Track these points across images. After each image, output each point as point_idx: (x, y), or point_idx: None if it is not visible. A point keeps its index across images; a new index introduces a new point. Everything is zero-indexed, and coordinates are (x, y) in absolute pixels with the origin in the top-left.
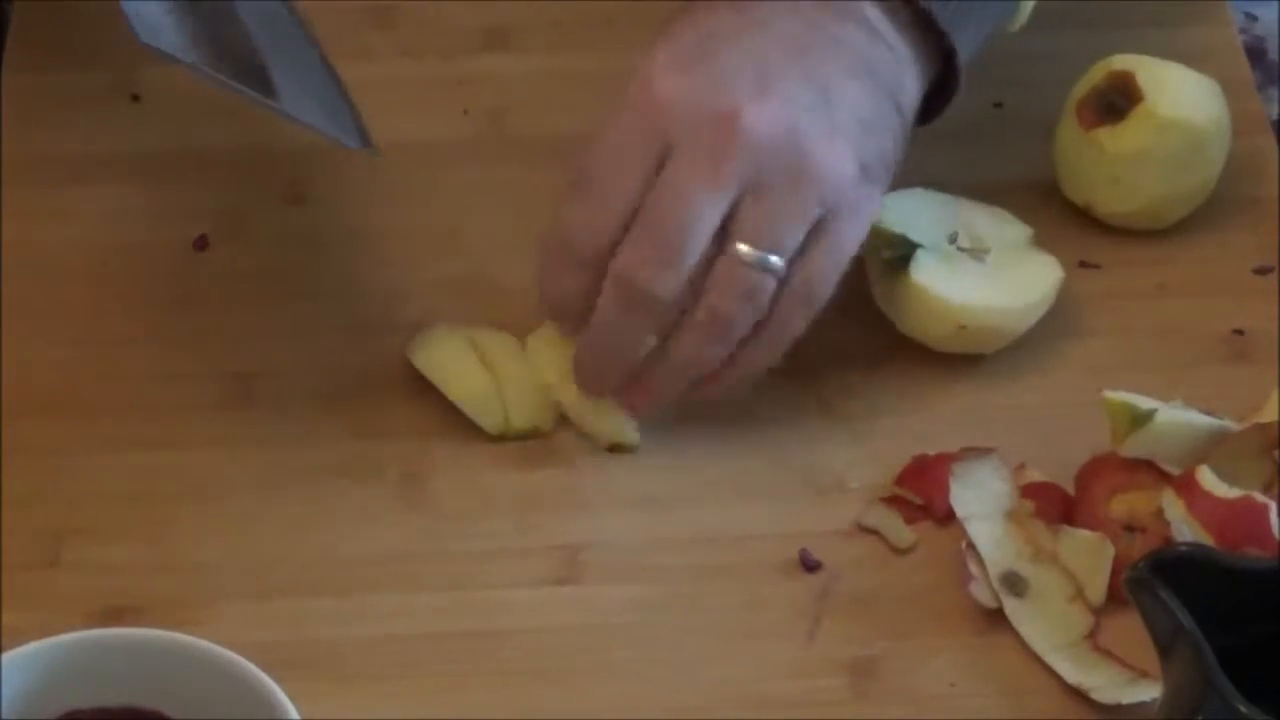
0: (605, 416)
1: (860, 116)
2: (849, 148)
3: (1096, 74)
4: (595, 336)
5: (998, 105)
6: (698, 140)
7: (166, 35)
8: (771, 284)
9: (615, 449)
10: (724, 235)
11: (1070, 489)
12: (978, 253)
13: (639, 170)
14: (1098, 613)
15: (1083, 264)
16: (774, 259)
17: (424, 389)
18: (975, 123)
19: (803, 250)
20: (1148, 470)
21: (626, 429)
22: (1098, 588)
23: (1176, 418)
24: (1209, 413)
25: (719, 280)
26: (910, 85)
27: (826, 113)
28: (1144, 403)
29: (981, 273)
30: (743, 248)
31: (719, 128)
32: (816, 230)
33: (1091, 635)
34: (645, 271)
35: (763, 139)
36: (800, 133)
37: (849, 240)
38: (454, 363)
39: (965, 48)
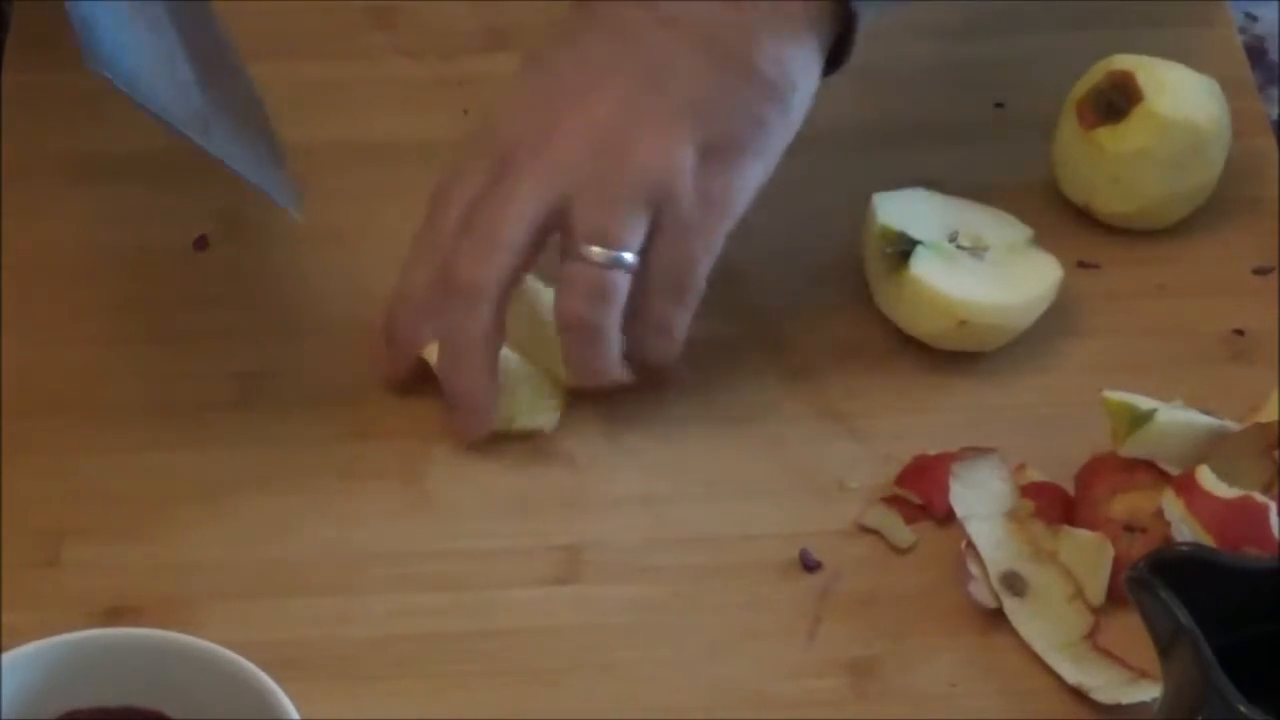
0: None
1: (696, 98)
2: (678, 135)
3: (1096, 74)
4: (441, 335)
5: (998, 105)
6: (516, 155)
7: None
8: (622, 278)
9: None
10: (570, 242)
11: (1070, 489)
12: (977, 251)
13: (480, 177)
14: (1098, 613)
15: (1082, 264)
16: (623, 254)
17: (424, 389)
18: (975, 123)
19: (652, 242)
20: (1148, 470)
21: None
22: (1098, 588)
23: (1176, 418)
24: (1209, 413)
25: (565, 282)
26: (774, 45)
27: (654, 103)
28: (1144, 403)
29: (981, 270)
30: (589, 247)
31: (535, 144)
32: (660, 220)
33: (1091, 635)
34: (465, 263)
35: (576, 148)
36: (617, 133)
37: (702, 224)
38: None
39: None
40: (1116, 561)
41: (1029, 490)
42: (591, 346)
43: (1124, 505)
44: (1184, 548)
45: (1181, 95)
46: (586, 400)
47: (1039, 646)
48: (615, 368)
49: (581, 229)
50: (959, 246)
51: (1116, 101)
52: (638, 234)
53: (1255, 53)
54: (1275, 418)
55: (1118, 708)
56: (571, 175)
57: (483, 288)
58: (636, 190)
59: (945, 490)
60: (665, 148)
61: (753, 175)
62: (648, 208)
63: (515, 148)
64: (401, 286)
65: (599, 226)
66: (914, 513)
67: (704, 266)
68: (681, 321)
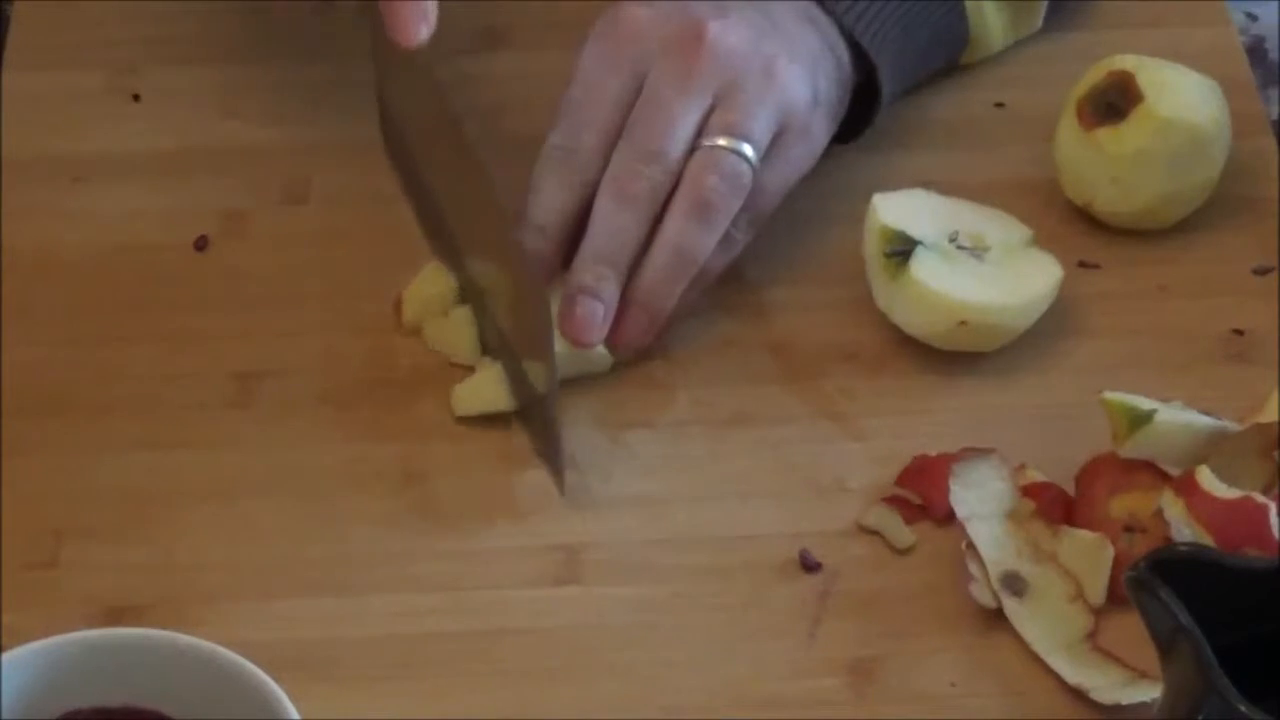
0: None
1: (811, 52)
2: (804, 71)
3: (1096, 74)
4: (594, 240)
5: (998, 105)
6: (669, 53)
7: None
8: (747, 171)
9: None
10: (699, 137)
11: (1070, 489)
12: (978, 251)
13: (618, 90)
14: (1098, 613)
15: (1083, 264)
16: (746, 147)
17: (424, 389)
18: (975, 123)
19: (766, 155)
20: (1148, 470)
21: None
22: (1098, 588)
23: (1176, 418)
24: (1209, 413)
25: (697, 164)
26: (846, 59)
27: (784, 45)
28: (1144, 403)
29: (981, 270)
30: (718, 140)
31: (687, 41)
32: (777, 139)
33: (1091, 635)
34: (636, 171)
35: (729, 47)
36: (763, 46)
37: (796, 160)
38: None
39: (885, 70)
40: (1116, 561)
41: (1029, 490)
42: (706, 228)
43: (1124, 505)
44: (1184, 548)
45: (1181, 95)
46: (587, 400)
47: (1039, 647)
48: (709, 264)
49: (717, 124)
50: (959, 246)
51: (1116, 101)
52: (764, 139)
53: (1255, 53)
54: (1275, 418)
55: (1118, 708)
56: (719, 82)
57: (648, 196)
58: (774, 106)
59: (945, 490)
60: (801, 77)
61: (825, 139)
62: (777, 123)
63: (660, 53)
64: (538, 211)
65: (736, 123)
66: (914, 513)
67: (778, 202)
68: (746, 237)
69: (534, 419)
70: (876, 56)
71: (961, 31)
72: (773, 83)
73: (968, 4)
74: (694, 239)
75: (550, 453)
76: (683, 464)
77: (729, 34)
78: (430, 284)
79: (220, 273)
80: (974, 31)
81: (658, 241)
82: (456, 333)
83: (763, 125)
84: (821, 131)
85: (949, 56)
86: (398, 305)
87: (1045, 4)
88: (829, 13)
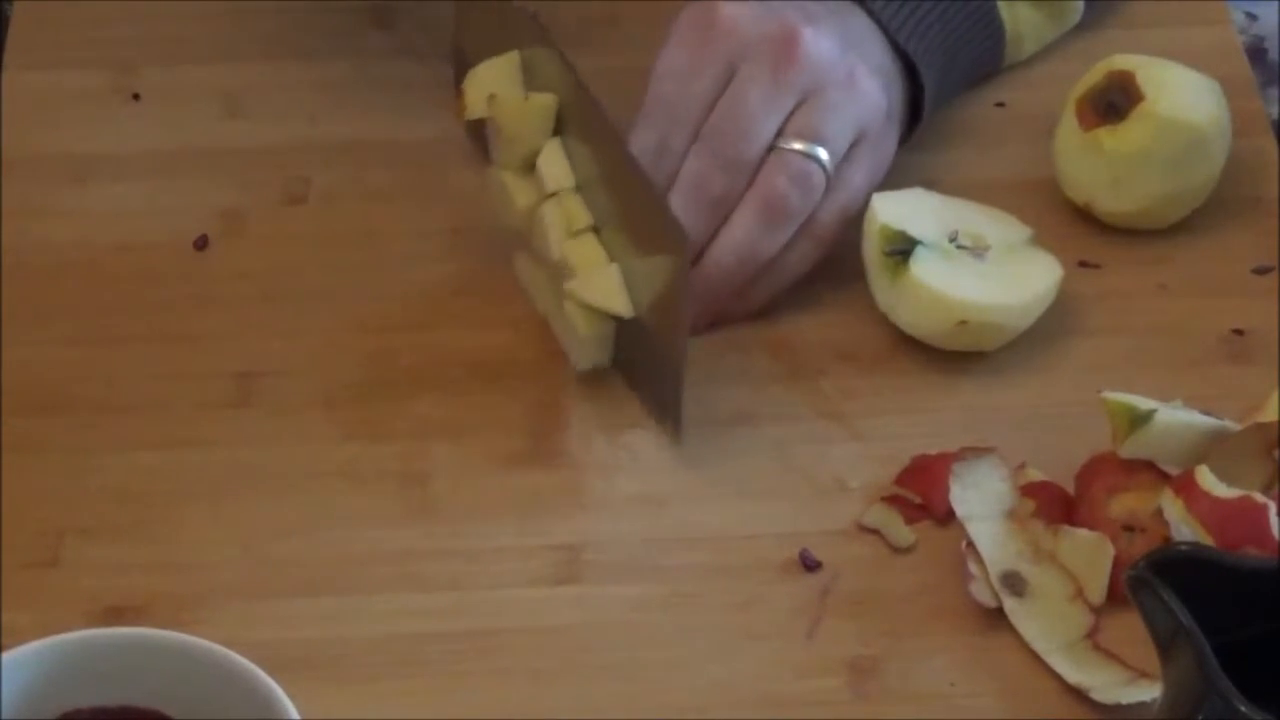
0: (598, 283)
1: (884, 67)
2: (881, 84)
3: (1096, 74)
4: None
5: (999, 105)
6: (762, 53)
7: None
8: (819, 175)
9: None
10: (777, 138)
11: (1070, 489)
12: (978, 251)
13: (709, 87)
14: (1098, 613)
15: (1083, 264)
16: (820, 150)
17: (424, 389)
18: (975, 123)
19: (845, 159)
20: (1148, 470)
21: (618, 295)
22: (1098, 588)
23: (1176, 418)
24: (1209, 413)
25: (770, 166)
26: (898, 75)
27: (861, 53)
28: (1144, 403)
29: (981, 270)
30: (793, 143)
31: (781, 42)
32: (855, 146)
33: (1091, 635)
34: (711, 177)
35: (820, 54)
36: (847, 56)
37: (872, 168)
38: None
39: (927, 76)
40: (1116, 561)
41: (1029, 490)
42: (772, 229)
43: (1123, 505)
44: (1184, 548)
45: (1181, 95)
46: (587, 400)
47: (1039, 646)
48: (791, 266)
49: (795, 127)
50: (959, 246)
51: (1116, 101)
52: (842, 144)
53: (1255, 53)
54: (1275, 418)
55: (1118, 708)
56: (806, 87)
57: (722, 196)
58: (854, 115)
59: (945, 490)
60: (879, 89)
61: (893, 151)
62: (856, 131)
63: (753, 53)
64: None
65: (813, 127)
66: (914, 513)
67: (866, 201)
68: (833, 238)
69: (645, 367)
70: (924, 77)
71: (998, 53)
72: (854, 92)
73: (1004, 14)
74: (757, 239)
75: (665, 396)
76: (683, 464)
77: (820, 41)
78: (502, 61)
79: (220, 273)
80: (1009, 44)
81: (722, 238)
82: (531, 119)
83: (840, 131)
84: (892, 144)
85: (984, 75)
86: (460, 97)
87: (1082, 2)
88: (887, 33)
